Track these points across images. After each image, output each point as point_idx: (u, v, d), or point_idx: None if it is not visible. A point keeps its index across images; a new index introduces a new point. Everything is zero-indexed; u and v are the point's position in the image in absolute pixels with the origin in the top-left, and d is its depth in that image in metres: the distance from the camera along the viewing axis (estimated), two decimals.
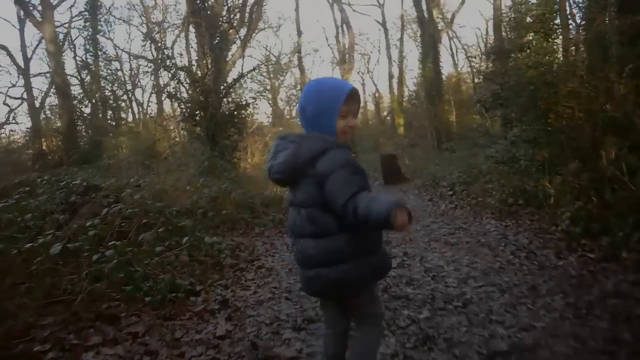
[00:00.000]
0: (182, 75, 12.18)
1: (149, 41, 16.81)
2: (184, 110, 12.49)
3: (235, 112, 12.69)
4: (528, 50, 13.36)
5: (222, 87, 12.31)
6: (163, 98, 15.18)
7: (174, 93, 12.85)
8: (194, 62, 12.37)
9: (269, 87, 40.30)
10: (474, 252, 6.08)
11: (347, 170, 2.04)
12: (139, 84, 35.64)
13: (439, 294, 4.59)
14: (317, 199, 2.09)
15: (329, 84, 2.21)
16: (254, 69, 15.68)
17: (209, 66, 11.96)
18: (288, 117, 40.44)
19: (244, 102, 13.14)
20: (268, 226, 8.67)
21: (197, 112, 12.18)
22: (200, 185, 9.10)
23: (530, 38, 13.84)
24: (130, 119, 33.73)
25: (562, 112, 7.91)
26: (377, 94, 41.97)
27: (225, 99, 12.52)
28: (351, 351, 2.36)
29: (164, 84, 16.11)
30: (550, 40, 13.69)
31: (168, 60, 12.15)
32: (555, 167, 7.96)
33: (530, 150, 8.55)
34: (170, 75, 12.78)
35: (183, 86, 12.73)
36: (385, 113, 40.65)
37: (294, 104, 39.87)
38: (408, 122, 32.90)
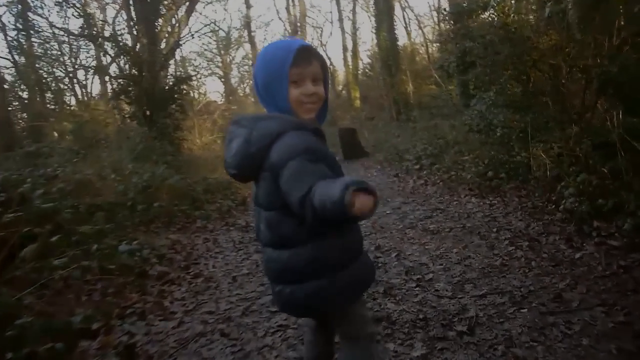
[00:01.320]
0: (108, 46, 10.44)
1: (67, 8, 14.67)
2: (115, 86, 10.80)
3: (176, 88, 11.09)
4: (492, 10, 12.16)
5: (157, 60, 10.68)
6: (91, 74, 13.39)
7: (101, 67, 11.07)
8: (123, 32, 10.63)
9: (220, 64, 38.29)
10: (462, 242, 4.85)
11: (304, 158, 1.50)
12: (79, 64, 32.95)
13: (432, 311, 3.32)
14: (274, 198, 1.58)
15: (276, 44, 1.72)
16: (192, 36, 13.85)
17: (138, 35, 10.29)
18: (242, 94, 38.61)
19: (184, 75, 11.48)
20: (212, 217, 7.24)
21: (130, 89, 10.53)
22: (130, 173, 7.55)
23: None
24: (73, 102, 31.20)
25: (545, 70, 6.72)
26: (331, 67, 40.37)
27: (162, 72, 10.88)
28: None
29: (107, 63, 14.36)
30: None
31: (90, 29, 10.35)
32: (539, 133, 6.83)
33: (509, 115, 7.36)
34: (96, 47, 10.99)
35: (113, 59, 10.97)
36: (340, 87, 39.19)
37: (247, 81, 37.99)
38: (364, 95, 31.64)
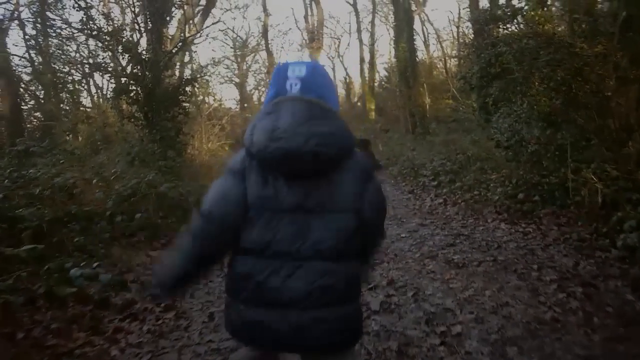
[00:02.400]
0: (109, 42, 9.61)
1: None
2: (115, 85, 9.99)
3: (181, 89, 10.27)
4: (520, 18, 11.20)
5: (161, 59, 9.86)
6: (88, 70, 12.57)
7: (103, 65, 10.28)
8: (126, 28, 9.84)
9: (236, 71, 37.67)
10: (496, 281, 3.87)
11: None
12: (89, 62, 32.25)
13: None
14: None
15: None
16: (206, 39, 13.03)
17: (141, 30, 9.51)
18: (257, 102, 37.87)
19: (189, 77, 10.64)
20: None
21: (131, 88, 9.73)
22: (116, 178, 6.67)
23: (523, 5, 11.65)
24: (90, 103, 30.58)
25: (591, 79, 5.75)
26: (347, 79, 39.54)
27: (166, 73, 10.05)
28: None
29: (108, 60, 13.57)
30: (545, 8, 11.54)
31: (90, 23, 9.57)
32: (576, 152, 5.86)
33: (544, 131, 6.37)
34: (98, 44, 10.21)
35: (115, 56, 10.17)
36: (355, 98, 38.33)
37: (263, 88, 37.20)
38: (379, 107, 30.77)
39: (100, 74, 10.39)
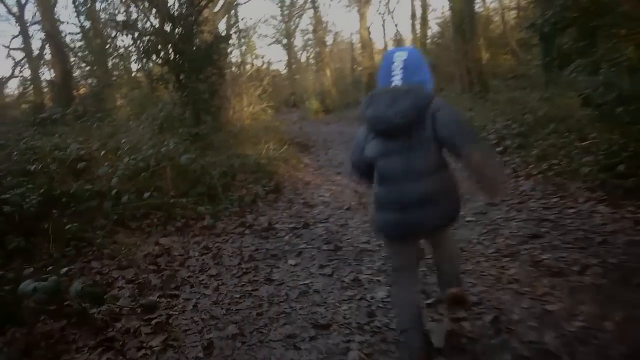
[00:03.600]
0: None
1: None
2: (143, 45, 9.02)
3: (214, 47, 9.21)
4: None
5: (191, 13, 8.78)
6: (117, 29, 11.67)
7: (129, 22, 9.29)
8: None
9: (283, 31, 36.29)
10: (616, 302, 2.61)
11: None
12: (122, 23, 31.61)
13: None
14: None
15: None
16: None
17: None
18: (304, 62, 36.45)
19: (223, 34, 9.51)
20: (228, 212, 5.31)
21: (159, 47, 8.76)
22: (132, 148, 5.72)
23: None
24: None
25: None
26: (398, 36, 37.28)
27: (197, 28, 8.96)
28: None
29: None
30: None
31: None
32: None
33: None
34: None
35: (142, 11, 9.16)
36: None
37: (310, 49, 35.61)
38: (432, 65, 28.66)
39: (127, 33, 9.36)
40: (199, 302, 3.24)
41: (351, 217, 5.16)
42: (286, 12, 35.47)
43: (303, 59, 37.16)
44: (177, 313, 3.07)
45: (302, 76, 32.61)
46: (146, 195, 4.72)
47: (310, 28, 31.62)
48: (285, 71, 37.66)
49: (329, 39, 34.00)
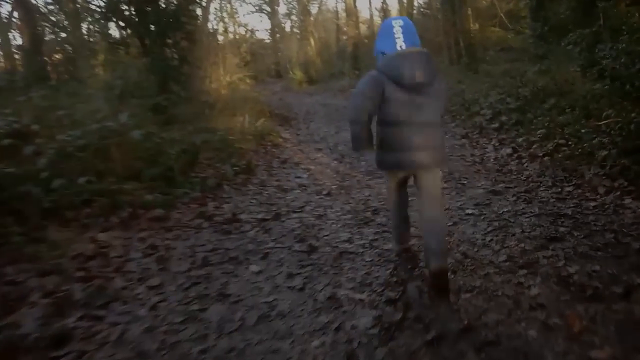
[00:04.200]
0: None
1: None
2: (102, 6, 7.96)
3: (182, 9, 8.17)
4: None
5: None
6: None
7: None
8: None
9: (267, 1, 34.71)
10: None
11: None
12: None
13: None
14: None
15: None
16: None
17: None
18: (288, 31, 35.00)
19: None
20: (188, 199, 4.45)
21: (122, 7, 7.71)
22: (72, 123, 4.80)
23: None
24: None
25: None
26: (384, 5, 35.85)
27: None
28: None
29: None
30: None
31: None
32: None
33: None
34: None
35: None
36: None
37: (295, 17, 34.13)
38: (419, 36, 27.61)
39: None
40: (127, 328, 2.43)
41: (331, 205, 4.36)
42: None
43: (287, 29, 35.76)
44: (94, 348, 2.27)
45: (286, 46, 31.30)
46: (82, 180, 3.84)
47: None
48: (269, 41, 36.39)
49: (314, 8, 32.69)
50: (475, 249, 3.04)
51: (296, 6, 32.41)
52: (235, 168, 5.51)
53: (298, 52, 26.72)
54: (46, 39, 20.52)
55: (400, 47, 2.47)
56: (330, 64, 25.78)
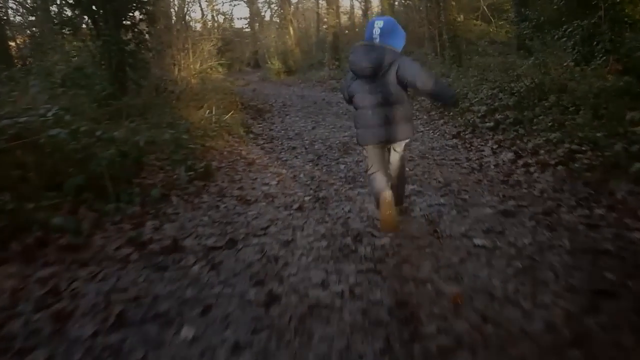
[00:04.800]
0: None
1: None
2: None
3: None
4: None
5: None
6: None
7: None
8: None
9: None
10: None
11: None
12: None
13: None
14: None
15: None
16: None
17: None
18: (267, 20, 33.70)
19: None
20: (120, 217, 3.46)
21: None
22: None
23: None
24: None
25: None
26: None
27: None
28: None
29: None
30: None
31: None
32: None
33: None
34: None
35: None
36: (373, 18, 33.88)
37: (275, 6, 32.83)
38: (403, 28, 26.70)
39: None
40: None
41: (301, 226, 3.43)
42: None
43: (267, 17, 34.45)
44: None
45: (265, 35, 30.09)
46: None
47: None
48: (247, 30, 35.03)
49: None
50: (497, 306, 2.15)
51: None
52: (190, 173, 4.53)
53: (277, 41, 25.56)
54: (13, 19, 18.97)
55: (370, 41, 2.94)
56: (310, 55, 24.72)
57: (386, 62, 2.83)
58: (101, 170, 3.56)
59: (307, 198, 4.10)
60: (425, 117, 8.14)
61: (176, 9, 11.58)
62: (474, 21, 21.74)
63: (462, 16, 17.45)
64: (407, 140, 3.18)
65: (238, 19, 40.80)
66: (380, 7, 30.99)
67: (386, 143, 3.11)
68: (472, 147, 5.60)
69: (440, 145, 5.93)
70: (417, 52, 19.93)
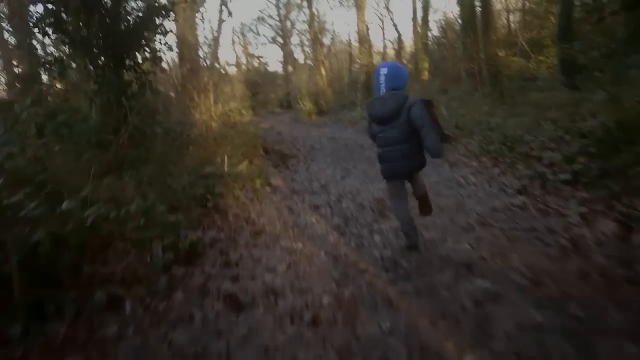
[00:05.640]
0: None
1: None
2: (42, 14, 5.90)
3: (149, 21, 6.06)
4: None
5: None
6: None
7: None
8: None
9: (280, 32, 33.02)
10: None
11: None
12: None
13: None
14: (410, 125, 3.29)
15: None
16: None
17: None
18: (301, 62, 33.11)
19: (161, 2, 6.29)
20: (22, 350, 2.17)
21: (65, 17, 5.63)
22: None
23: None
24: None
25: None
26: (398, 34, 33.78)
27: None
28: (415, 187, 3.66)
29: None
30: None
31: None
32: None
33: None
34: None
35: None
36: (406, 58, 32.75)
37: (307, 49, 32.31)
38: (434, 66, 25.57)
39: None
40: None
41: (320, 355, 2.05)
42: (282, 10, 32.39)
43: (300, 60, 33.94)
44: None
45: (297, 76, 29.43)
46: None
47: (306, 26, 28.39)
48: (280, 72, 34.55)
49: (327, 40, 30.88)
50: None
51: (308, 36, 30.67)
52: (168, 254, 3.23)
53: (308, 82, 24.72)
54: None
55: (382, 91, 3.31)
56: (342, 95, 23.73)
57: (398, 108, 3.22)
58: (8, 272, 2.29)
59: (326, 300, 2.72)
60: (474, 163, 6.68)
61: (207, 52, 10.65)
62: (512, 57, 20.36)
63: (503, 52, 16.10)
64: (422, 169, 3.51)
65: (271, 61, 39.94)
66: (413, 48, 30.00)
67: (407, 175, 3.48)
68: (548, 210, 4.11)
69: (504, 204, 4.46)
70: (453, 90, 18.56)
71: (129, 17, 6.17)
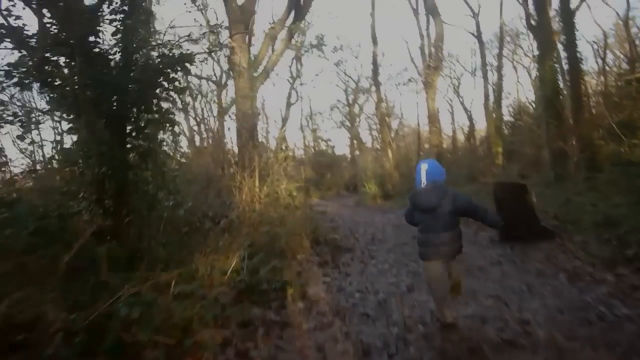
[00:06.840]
0: None
1: None
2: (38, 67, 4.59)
3: (167, 73, 4.60)
4: None
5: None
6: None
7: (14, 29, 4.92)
8: None
9: (348, 116, 32.35)
10: None
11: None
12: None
13: None
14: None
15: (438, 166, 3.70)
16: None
17: None
18: (369, 146, 31.83)
19: (179, 53, 4.83)
20: None
21: (52, 57, 4.26)
22: None
23: None
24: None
25: None
26: (471, 118, 31.76)
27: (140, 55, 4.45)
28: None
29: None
30: None
31: None
32: None
33: None
34: None
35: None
36: (477, 142, 30.46)
37: (375, 133, 31.16)
38: (508, 150, 23.07)
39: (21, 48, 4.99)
40: None
41: None
42: (351, 96, 31.85)
43: (368, 143, 32.73)
44: None
45: (363, 158, 27.97)
46: None
47: (374, 109, 27.31)
48: (347, 155, 33.45)
49: (394, 123, 29.60)
50: None
51: (376, 120, 29.52)
52: None
53: (374, 164, 23.06)
54: None
55: (423, 184, 3.50)
56: (409, 178, 21.67)
57: (440, 199, 3.43)
58: None
59: None
60: (609, 277, 4.29)
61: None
62: (599, 141, 17.62)
63: (600, 132, 13.62)
64: (461, 255, 3.60)
65: (334, 145, 38.44)
66: (485, 129, 27.81)
67: (447, 258, 3.49)
68: None
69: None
70: (534, 178, 15.76)
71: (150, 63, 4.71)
